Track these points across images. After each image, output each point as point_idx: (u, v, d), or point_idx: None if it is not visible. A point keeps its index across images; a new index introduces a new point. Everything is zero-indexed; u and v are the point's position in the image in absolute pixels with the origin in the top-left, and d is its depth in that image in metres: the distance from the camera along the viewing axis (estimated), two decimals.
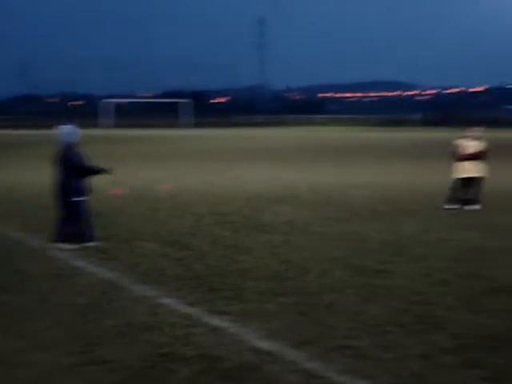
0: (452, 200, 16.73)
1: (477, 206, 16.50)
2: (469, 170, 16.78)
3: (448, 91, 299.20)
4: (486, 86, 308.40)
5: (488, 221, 14.80)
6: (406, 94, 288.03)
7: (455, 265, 10.62)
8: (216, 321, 7.81)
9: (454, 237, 12.99)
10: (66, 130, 12.04)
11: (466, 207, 16.52)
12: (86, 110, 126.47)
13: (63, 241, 11.74)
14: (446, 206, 16.55)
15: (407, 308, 8.30)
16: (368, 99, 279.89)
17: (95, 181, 12.59)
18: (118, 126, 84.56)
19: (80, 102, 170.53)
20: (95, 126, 79.75)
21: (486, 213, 15.92)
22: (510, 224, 14.42)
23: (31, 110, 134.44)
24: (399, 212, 16.13)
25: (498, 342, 7.11)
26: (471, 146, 16.87)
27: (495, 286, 9.37)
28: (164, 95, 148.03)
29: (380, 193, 19.82)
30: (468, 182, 16.78)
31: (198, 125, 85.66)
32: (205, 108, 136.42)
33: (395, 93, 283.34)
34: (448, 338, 7.24)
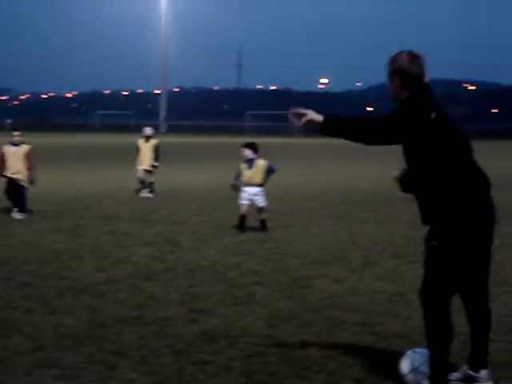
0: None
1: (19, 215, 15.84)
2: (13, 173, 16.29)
3: (42, 96, 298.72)
4: (77, 92, 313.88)
5: (67, 225, 14.97)
6: None
7: (38, 267, 10.59)
8: None
9: (36, 240, 12.95)
10: None
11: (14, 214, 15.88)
12: None
13: None
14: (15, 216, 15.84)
15: None
16: None
17: None
18: None
19: None
20: None
21: (68, 217, 16.11)
22: (66, 227, 14.72)
23: None
24: None
25: (76, 340, 7.20)
26: (13, 151, 16.34)
27: (77, 285, 9.51)
28: None
29: None
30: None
31: None
32: None
33: None
34: (25, 340, 7.16)
